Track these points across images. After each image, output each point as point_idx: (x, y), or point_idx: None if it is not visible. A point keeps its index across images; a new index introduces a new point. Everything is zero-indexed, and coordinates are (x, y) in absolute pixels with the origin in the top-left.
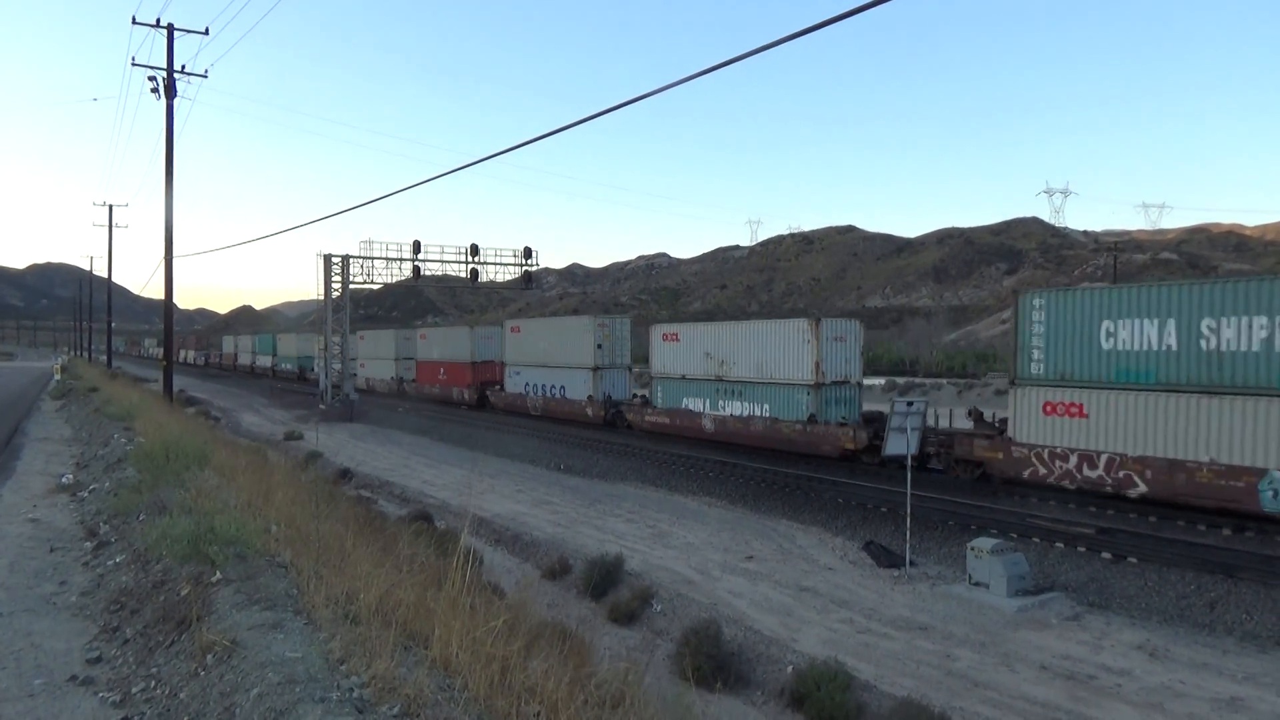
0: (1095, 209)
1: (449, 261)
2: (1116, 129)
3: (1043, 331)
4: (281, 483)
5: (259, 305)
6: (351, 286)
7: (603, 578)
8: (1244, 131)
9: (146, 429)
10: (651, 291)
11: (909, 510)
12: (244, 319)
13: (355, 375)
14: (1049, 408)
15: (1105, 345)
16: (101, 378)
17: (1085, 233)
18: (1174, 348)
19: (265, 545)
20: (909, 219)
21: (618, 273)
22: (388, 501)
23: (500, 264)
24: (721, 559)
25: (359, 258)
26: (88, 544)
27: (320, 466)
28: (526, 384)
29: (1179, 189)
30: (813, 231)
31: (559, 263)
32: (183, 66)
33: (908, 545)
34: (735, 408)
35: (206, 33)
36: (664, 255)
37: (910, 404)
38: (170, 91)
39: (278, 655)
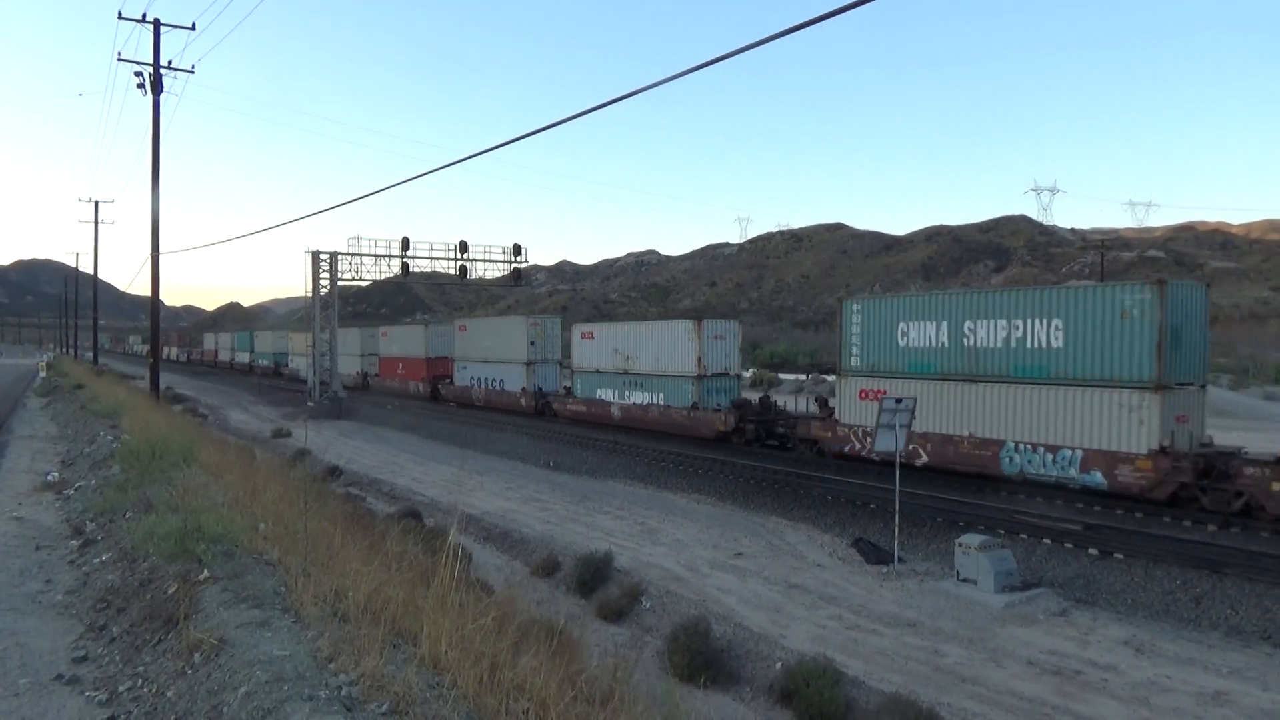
0: (1083, 207)
1: (438, 258)
2: (1104, 127)
3: (859, 332)
4: (269, 480)
5: (247, 302)
6: (340, 283)
7: (592, 575)
8: (1230, 130)
9: (133, 426)
10: (641, 289)
11: (897, 507)
12: (232, 316)
13: (326, 369)
14: (863, 394)
15: (901, 343)
16: (87, 375)
17: (1073, 230)
18: (946, 345)
19: (253, 543)
20: (898, 217)
21: (607, 270)
22: (376, 499)
23: (489, 261)
24: (710, 556)
25: (347, 254)
26: (74, 542)
27: (308, 464)
28: (472, 377)
29: (1166, 187)
30: (802, 229)
31: (548, 260)
32: (169, 62)
33: (896, 542)
34: (638, 396)
35: (193, 28)
36: (654, 252)
37: (899, 401)
38: (156, 87)
39: (266, 653)
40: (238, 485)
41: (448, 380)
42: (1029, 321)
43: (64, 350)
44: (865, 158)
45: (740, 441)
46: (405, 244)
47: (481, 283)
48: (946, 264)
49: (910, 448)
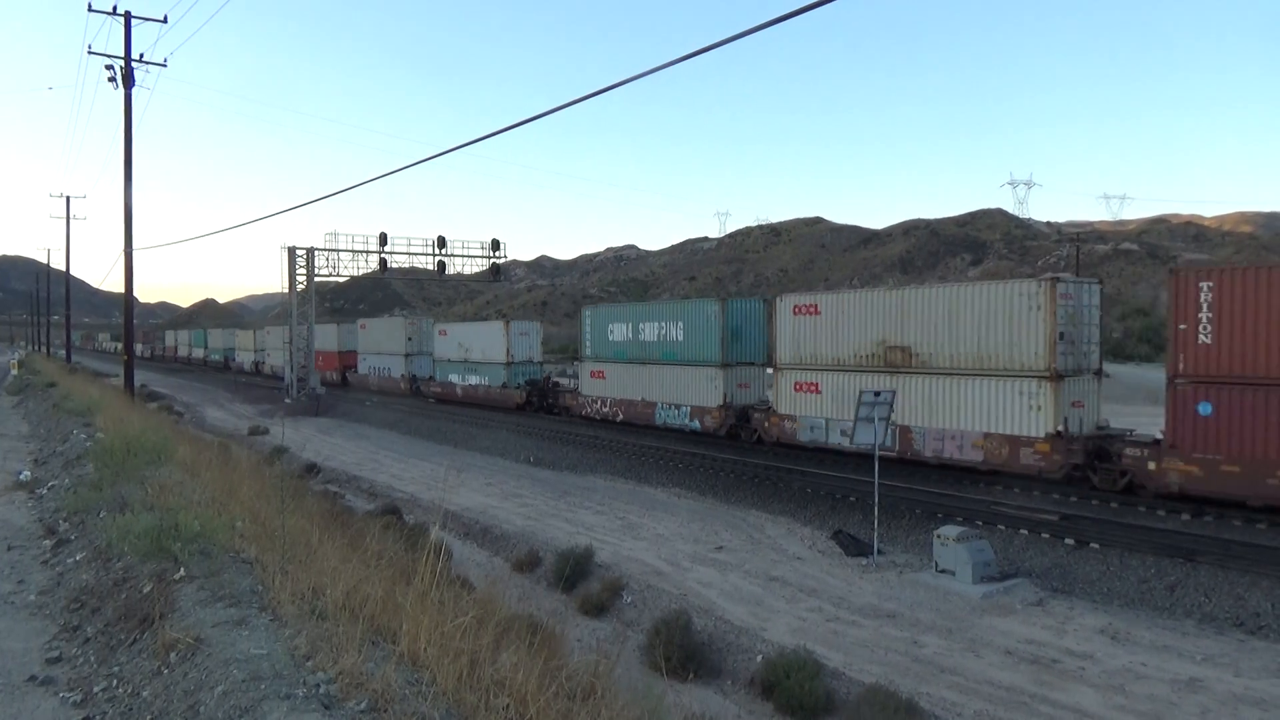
0: (1058, 200)
1: (416, 254)
2: (1079, 121)
3: (590, 330)
4: (246, 478)
5: (223, 299)
6: (317, 279)
7: (573, 570)
8: (1203, 124)
9: (107, 424)
10: (620, 283)
11: (876, 499)
12: (207, 312)
13: (265, 363)
14: (593, 374)
15: (610, 338)
16: (60, 373)
17: (1049, 224)
18: (630, 339)
19: (230, 541)
20: (876, 211)
21: (586, 265)
22: (355, 496)
23: (468, 256)
24: (691, 550)
25: (324, 250)
26: (46, 542)
27: (286, 461)
28: (370, 367)
29: (1139, 180)
30: (781, 223)
31: (527, 255)
32: (141, 55)
33: (875, 534)
34: (472, 379)
35: (165, 21)
36: (633, 247)
37: (878, 394)
38: (128, 81)
39: (242, 652)
40: (214, 483)
41: (353, 369)
42: (668, 324)
43: (36, 348)
44: (844, 152)
45: (530, 409)
46: (383, 239)
47: (460, 278)
48: (924, 257)
49: (614, 410)
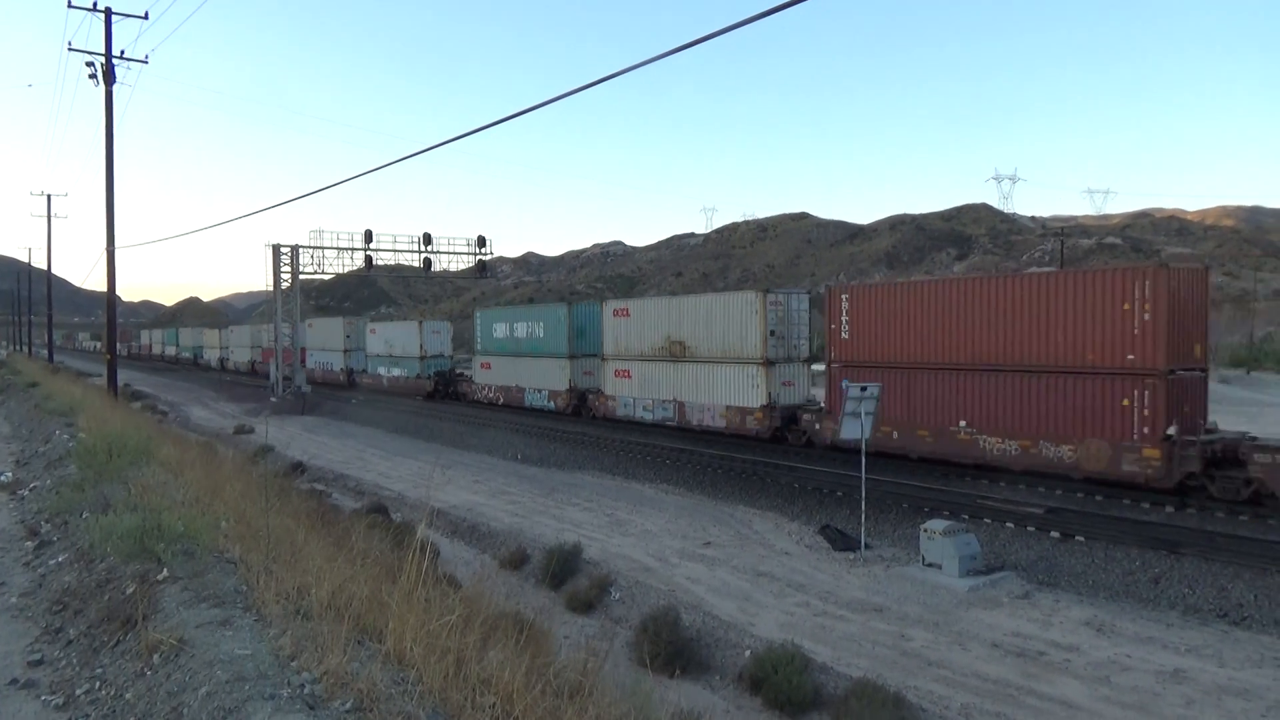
0: (1043, 195)
1: (401, 251)
2: (1063, 116)
3: (480, 328)
4: (231, 477)
5: (207, 297)
6: (302, 277)
7: (561, 567)
8: (1186, 119)
9: (90, 425)
10: (607, 279)
11: (864, 494)
12: (191, 311)
13: (229, 359)
14: (483, 365)
15: (495, 335)
16: (42, 372)
17: (1033, 218)
18: (508, 335)
19: (214, 541)
20: (862, 206)
21: (573, 261)
22: (342, 495)
23: (454, 253)
24: (679, 546)
25: (309, 247)
26: (28, 544)
27: (271, 460)
28: (316, 361)
29: (1123, 175)
30: (767, 219)
31: (514, 251)
32: (122, 52)
33: (863, 528)
34: (395, 371)
35: (146, 17)
36: (619, 243)
37: (864, 389)
38: (109, 77)
39: (226, 653)
40: (199, 483)
41: (303, 364)
42: (533, 324)
43: (17, 347)
44: (830, 148)
45: (437, 396)
46: (368, 236)
47: (446, 275)
48: (910, 252)
49: (497, 395)
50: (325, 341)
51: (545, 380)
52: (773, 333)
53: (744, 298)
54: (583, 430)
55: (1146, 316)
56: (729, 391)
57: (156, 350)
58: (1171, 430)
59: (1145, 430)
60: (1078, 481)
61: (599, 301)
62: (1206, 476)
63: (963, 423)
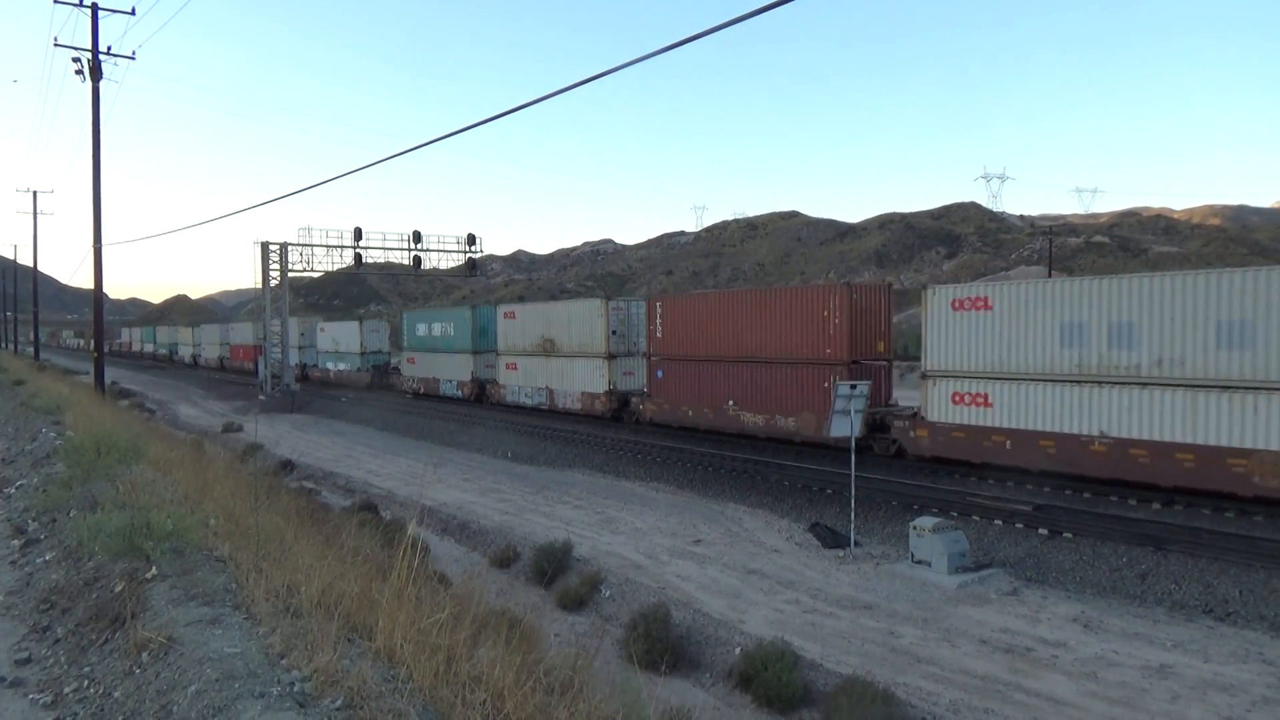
0: (1031, 193)
1: (391, 249)
2: (1051, 115)
3: (407, 328)
4: (220, 476)
5: (195, 294)
6: (291, 275)
7: (551, 564)
8: (1173, 118)
9: (77, 422)
10: (598, 278)
11: (853, 491)
12: (179, 308)
13: (201, 356)
14: (409, 360)
15: (418, 334)
16: (28, 370)
17: (1022, 217)
18: (428, 334)
19: (203, 540)
20: (852, 204)
21: (564, 259)
22: (331, 493)
23: (444, 251)
24: (670, 543)
25: (298, 245)
26: (15, 542)
27: (261, 458)
28: (275, 358)
29: (1111, 174)
30: (757, 217)
31: (504, 249)
32: (108, 48)
33: (852, 526)
34: (340, 366)
35: (133, 13)
36: (610, 241)
37: (853, 386)
38: (95, 74)
39: (216, 651)
40: (187, 481)
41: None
42: (445, 324)
43: (3, 345)
44: (820, 146)
45: (373, 388)
46: (358, 234)
47: (436, 273)
48: (899, 250)
49: (422, 388)
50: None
51: (454, 372)
52: (614, 332)
53: (592, 304)
54: (482, 413)
55: (837, 321)
56: (583, 380)
57: (136, 348)
58: None
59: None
60: (826, 448)
61: (494, 306)
62: (871, 439)
63: (731, 402)
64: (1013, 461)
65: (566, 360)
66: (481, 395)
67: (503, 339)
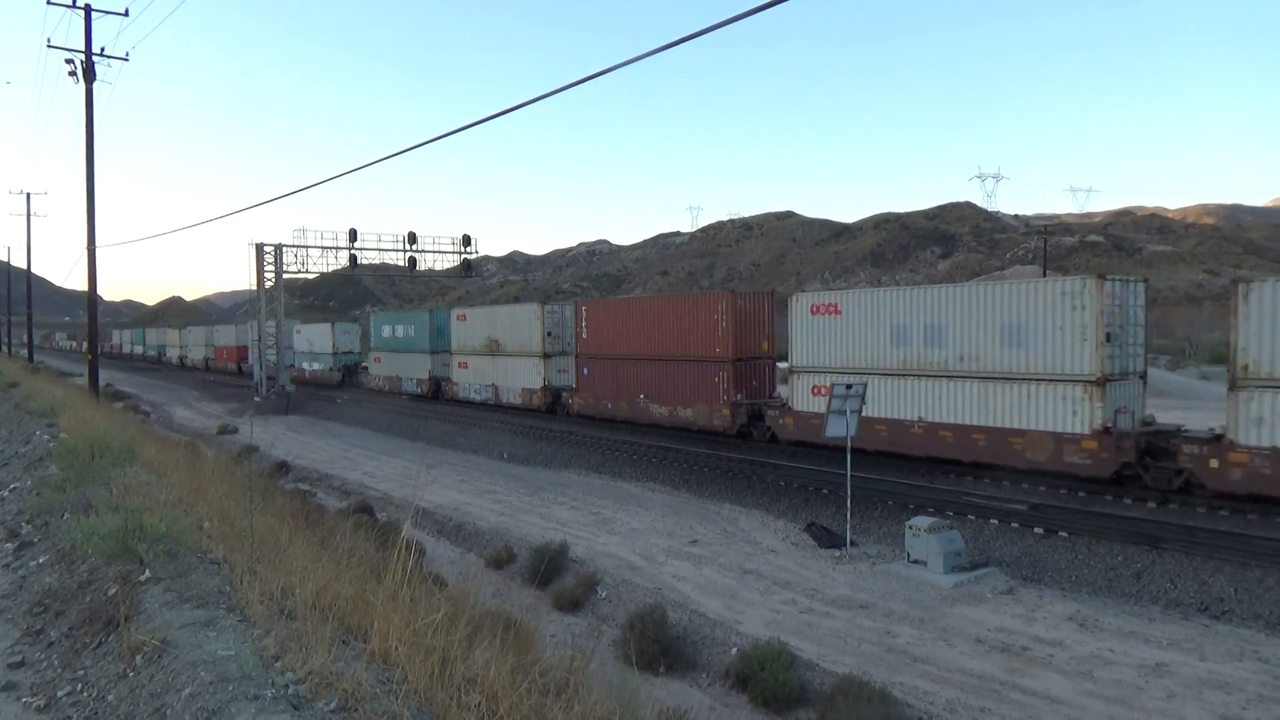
0: (1026, 193)
1: (386, 250)
2: (1046, 115)
3: (373, 329)
4: (215, 478)
5: (190, 296)
6: (286, 276)
7: (547, 565)
8: (1168, 118)
9: (71, 425)
10: (593, 278)
11: (849, 491)
12: (174, 310)
13: (187, 357)
14: (376, 359)
15: (383, 335)
16: (22, 372)
17: (1016, 216)
18: (393, 335)
19: (197, 542)
20: (847, 204)
21: (559, 259)
22: (327, 495)
23: (439, 252)
24: (666, 544)
25: (292, 246)
26: (8, 545)
27: (256, 460)
28: (253, 358)
29: (1106, 173)
30: (752, 217)
31: (500, 250)
32: (102, 49)
33: (848, 526)
34: (315, 365)
35: (126, 14)
36: (605, 242)
37: (849, 387)
38: (89, 75)
39: (210, 653)
40: (182, 483)
41: (245, 361)
42: (407, 325)
43: None
44: (815, 146)
45: (344, 385)
46: (353, 235)
47: (431, 274)
48: (894, 250)
49: (383, 384)
50: (265, 341)
51: (415, 371)
52: (549, 334)
53: (530, 308)
54: (439, 409)
55: (724, 324)
56: (523, 377)
57: (127, 349)
58: (738, 397)
59: (724, 397)
60: (717, 435)
61: (448, 310)
62: (752, 426)
63: (642, 396)
64: (856, 444)
65: (509, 359)
66: (438, 392)
67: (456, 340)
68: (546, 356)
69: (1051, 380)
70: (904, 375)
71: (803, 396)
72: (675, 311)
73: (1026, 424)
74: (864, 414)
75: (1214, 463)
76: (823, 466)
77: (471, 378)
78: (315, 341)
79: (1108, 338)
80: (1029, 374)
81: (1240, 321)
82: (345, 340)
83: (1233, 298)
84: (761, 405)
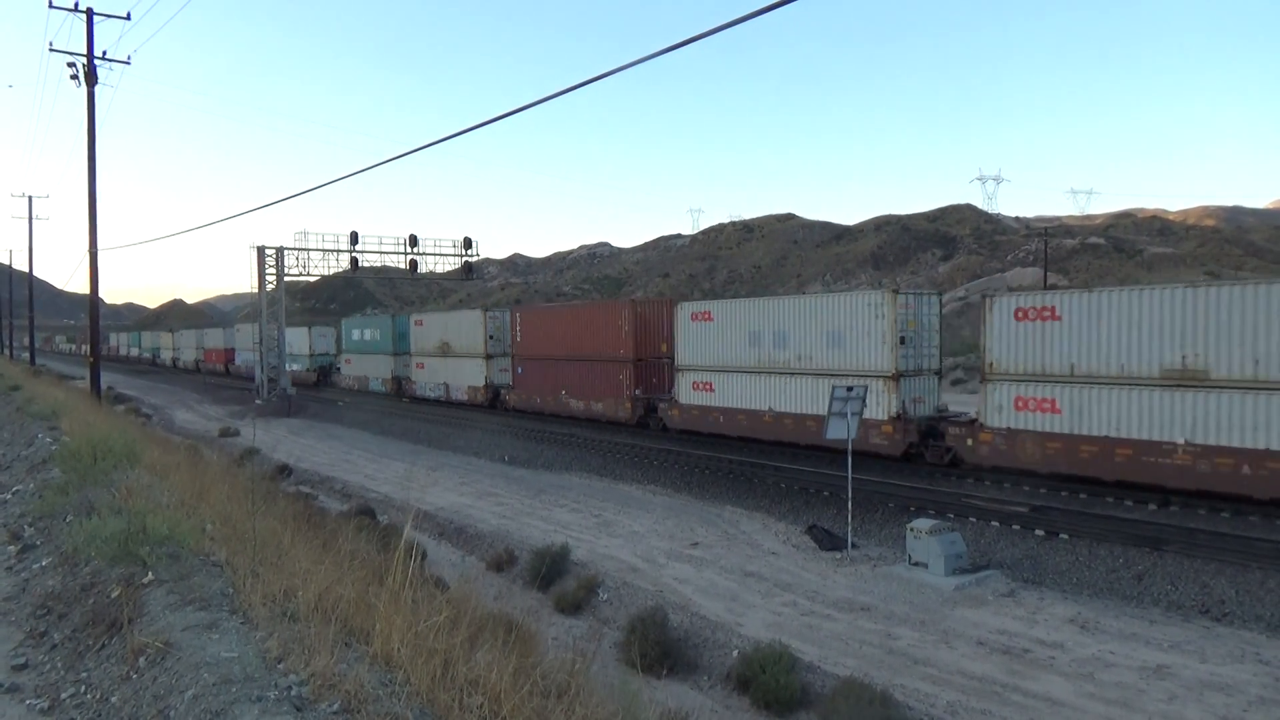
0: (1027, 195)
1: (388, 252)
2: (1047, 117)
3: (345, 333)
4: (217, 480)
5: (191, 299)
6: (287, 279)
7: (549, 568)
8: (1168, 119)
9: (73, 428)
10: (594, 281)
11: (850, 494)
12: (175, 313)
13: (179, 359)
14: (346, 361)
15: (354, 338)
16: (24, 375)
17: (1017, 218)
18: (361, 338)
19: (200, 544)
20: (848, 206)
21: (560, 262)
22: (328, 497)
23: (440, 255)
24: (667, 546)
25: (294, 249)
26: (11, 548)
27: (257, 463)
28: (242, 360)
29: (1106, 175)
30: (753, 219)
31: (500, 253)
32: (104, 52)
33: (849, 528)
34: (295, 365)
35: (128, 18)
36: (605, 244)
37: (850, 389)
38: (91, 78)
39: (213, 655)
40: (184, 486)
41: (232, 362)
42: (372, 329)
43: None
44: (816, 149)
45: (319, 385)
46: (354, 238)
47: (432, 277)
48: (895, 253)
49: (353, 383)
50: (246, 342)
51: (380, 371)
52: (491, 337)
53: (475, 314)
54: (402, 407)
55: (626, 329)
56: (469, 375)
57: (124, 352)
58: (638, 392)
59: (627, 392)
60: (621, 425)
61: (408, 316)
62: (647, 419)
63: (564, 391)
64: (723, 431)
65: (458, 360)
66: (400, 390)
67: (414, 342)
68: (489, 357)
69: (862, 376)
70: (758, 373)
71: (686, 391)
72: (589, 318)
73: None
74: (729, 405)
75: (969, 441)
76: (824, 469)
77: (427, 377)
78: (293, 344)
79: (902, 341)
80: (847, 370)
81: (986, 329)
82: (321, 343)
83: (982, 310)
84: (655, 399)
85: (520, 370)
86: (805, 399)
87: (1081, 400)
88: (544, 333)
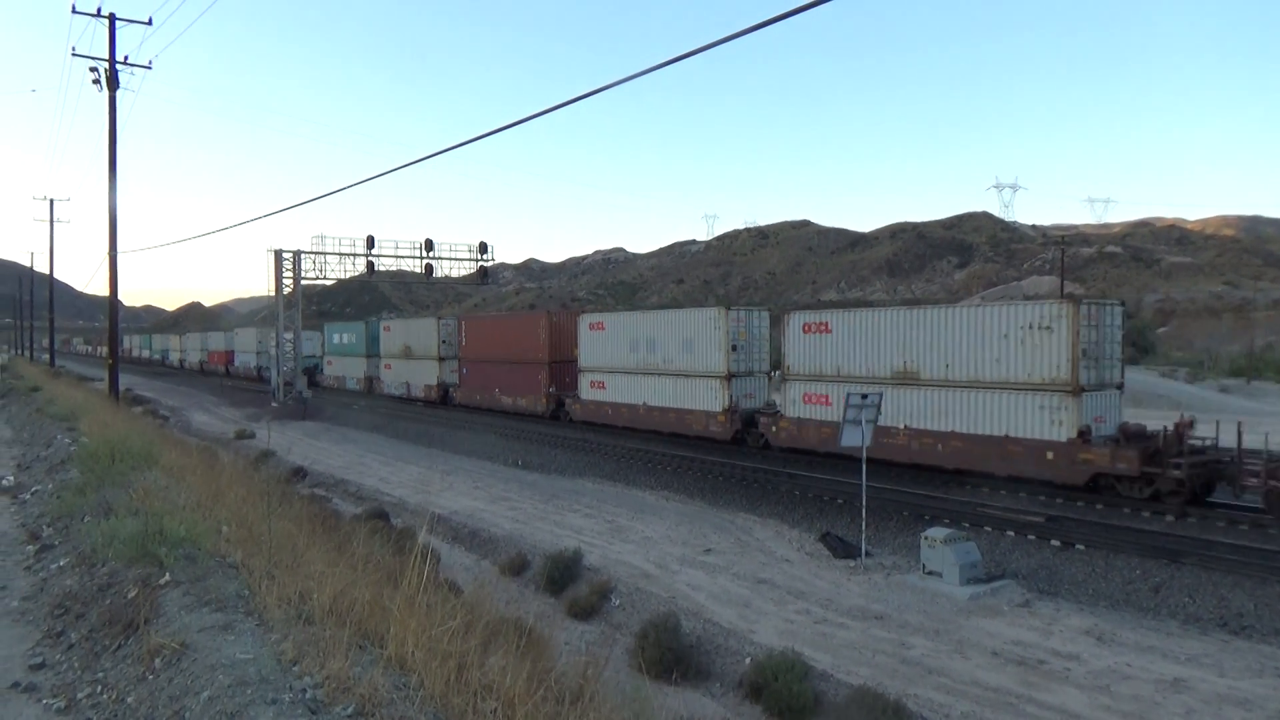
0: (1044, 203)
1: (403, 256)
2: (1064, 125)
3: (327, 338)
4: (232, 482)
5: (209, 302)
6: (304, 282)
7: (561, 573)
8: (1187, 128)
9: (91, 429)
10: (609, 286)
11: (864, 501)
12: (193, 316)
13: (186, 360)
14: (329, 362)
15: (335, 341)
16: (44, 376)
17: (1034, 226)
18: (341, 341)
19: (216, 546)
20: (863, 213)
21: (575, 267)
22: (343, 500)
23: (455, 259)
24: (680, 552)
25: (311, 253)
26: (30, 547)
27: (273, 465)
28: (240, 361)
29: (1124, 184)
30: (768, 226)
31: (516, 257)
32: (125, 57)
33: (863, 536)
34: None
35: (150, 23)
36: (621, 250)
37: (865, 396)
38: (112, 83)
39: (228, 657)
40: (200, 487)
41: (231, 364)
42: (348, 334)
43: (19, 351)
44: (831, 155)
45: (307, 385)
46: (370, 242)
47: (448, 281)
48: (910, 260)
49: (334, 382)
50: (245, 346)
51: (355, 371)
52: (444, 341)
53: (429, 322)
54: (372, 402)
55: (543, 336)
56: (425, 375)
57: (137, 354)
58: (551, 389)
59: (543, 389)
60: (539, 418)
61: (378, 321)
62: (558, 413)
63: (497, 389)
64: (613, 422)
65: (417, 362)
66: (371, 388)
67: (383, 346)
68: (441, 360)
69: (705, 376)
70: (637, 374)
71: (586, 389)
72: (516, 326)
73: (694, 406)
74: (617, 400)
75: (774, 429)
76: (838, 476)
77: (393, 376)
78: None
79: (734, 348)
80: (695, 372)
81: (785, 339)
82: (308, 346)
83: (783, 324)
84: (564, 395)
85: (465, 371)
86: (667, 395)
87: (843, 395)
88: (483, 339)
